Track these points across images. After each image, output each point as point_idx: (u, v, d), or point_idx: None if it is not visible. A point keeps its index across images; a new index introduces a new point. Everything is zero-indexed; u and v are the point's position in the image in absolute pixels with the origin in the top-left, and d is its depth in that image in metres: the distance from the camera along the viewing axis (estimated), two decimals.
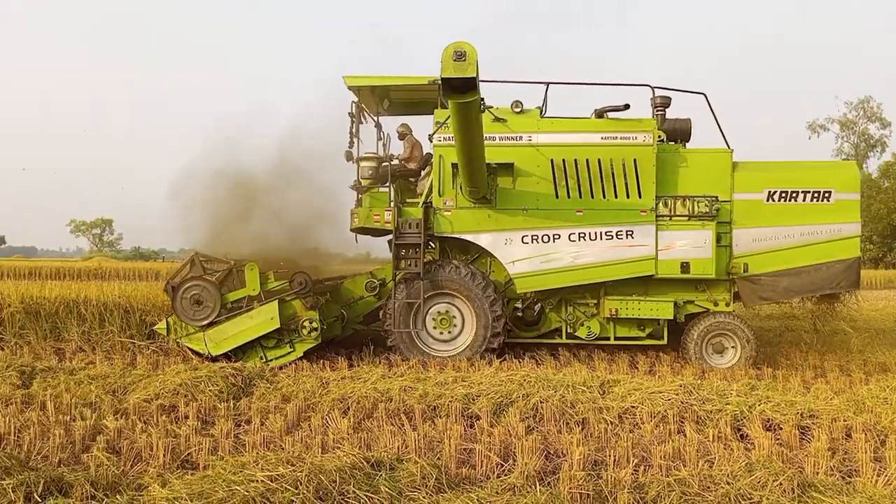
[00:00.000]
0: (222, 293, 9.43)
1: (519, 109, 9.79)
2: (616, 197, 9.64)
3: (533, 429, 6.15)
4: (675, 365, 9.38)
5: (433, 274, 9.81)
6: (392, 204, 10.21)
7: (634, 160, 9.60)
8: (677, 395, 6.76)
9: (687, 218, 9.55)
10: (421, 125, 13.94)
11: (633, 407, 6.59)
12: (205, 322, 9.38)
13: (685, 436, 5.87)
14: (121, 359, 9.61)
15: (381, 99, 10.57)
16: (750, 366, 9.30)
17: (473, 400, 6.82)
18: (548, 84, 9.92)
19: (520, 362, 9.30)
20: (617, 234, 9.60)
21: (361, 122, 10.38)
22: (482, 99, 7.98)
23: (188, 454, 5.41)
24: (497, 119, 9.70)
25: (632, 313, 9.70)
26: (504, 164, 9.69)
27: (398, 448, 5.48)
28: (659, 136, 9.73)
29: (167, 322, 9.59)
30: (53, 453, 5.32)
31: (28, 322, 10.98)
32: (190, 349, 9.61)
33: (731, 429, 6.09)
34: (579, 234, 9.64)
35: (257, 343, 9.45)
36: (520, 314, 10.22)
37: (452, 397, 6.84)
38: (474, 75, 7.07)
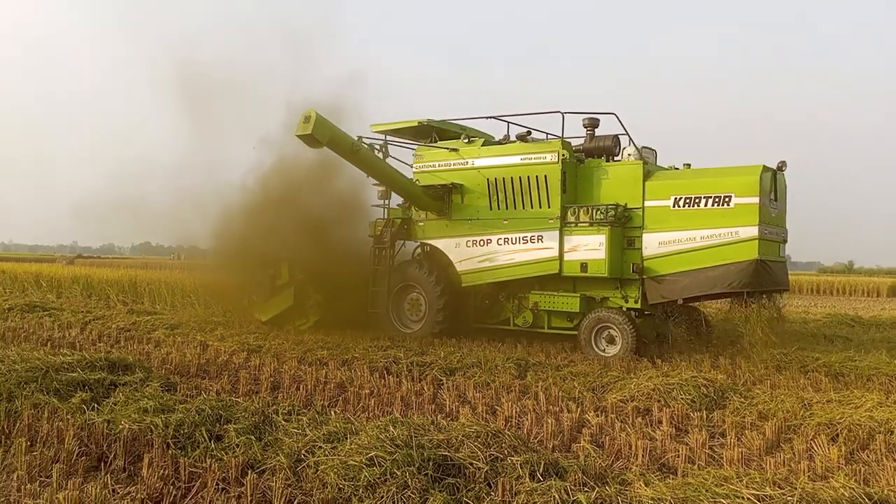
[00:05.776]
0: (274, 281, 13.20)
1: (467, 140, 12.38)
2: (532, 207, 11.50)
3: None
4: None
5: (404, 270, 12.70)
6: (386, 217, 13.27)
7: (545, 176, 11.36)
8: None
9: (588, 224, 10.84)
10: None
11: None
12: (263, 299, 13.32)
13: None
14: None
15: (415, 135, 13.16)
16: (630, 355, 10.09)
17: None
18: (487, 117, 12.45)
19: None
20: (531, 239, 11.41)
21: (387, 158, 13.03)
22: (353, 142, 11.39)
23: (664, 458, 5.55)
24: (452, 150, 12.37)
25: (549, 306, 11.39)
26: (456, 184, 12.24)
27: None
28: (564, 154, 11.23)
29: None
30: (548, 439, 6.01)
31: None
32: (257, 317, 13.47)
33: None
34: (504, 238, 11.69)
35: (289, 315, 12.97)
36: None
37: None
38: (310, 132, 10.41)
